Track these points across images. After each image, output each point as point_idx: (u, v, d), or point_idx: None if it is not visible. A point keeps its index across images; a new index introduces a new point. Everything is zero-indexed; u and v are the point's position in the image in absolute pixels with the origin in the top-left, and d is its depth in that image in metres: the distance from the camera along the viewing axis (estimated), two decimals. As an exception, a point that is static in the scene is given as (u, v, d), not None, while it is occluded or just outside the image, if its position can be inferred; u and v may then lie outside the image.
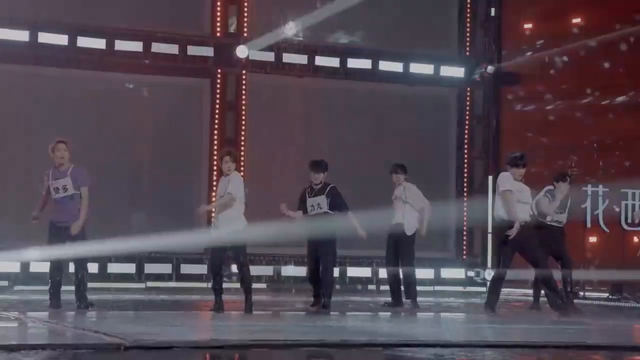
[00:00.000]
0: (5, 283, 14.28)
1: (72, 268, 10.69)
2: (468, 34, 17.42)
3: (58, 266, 10.59)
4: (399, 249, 12.00)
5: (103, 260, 14.51)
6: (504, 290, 15.44)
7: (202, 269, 15.34)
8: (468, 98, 17.51)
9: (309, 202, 11.23)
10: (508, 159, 11.25)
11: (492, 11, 17.40)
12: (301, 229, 11.21)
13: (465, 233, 17.11)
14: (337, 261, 12.48)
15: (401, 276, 12.02)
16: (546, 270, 11.08)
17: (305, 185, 11.49)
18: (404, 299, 12.14)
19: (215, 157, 15.73)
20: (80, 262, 10.55)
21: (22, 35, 14.79)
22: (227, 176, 10.65)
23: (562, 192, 11.87)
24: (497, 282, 11.20)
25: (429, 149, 17.18)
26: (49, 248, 10.39)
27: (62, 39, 14.96)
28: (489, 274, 16.87)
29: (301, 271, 15.65)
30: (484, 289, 16.87)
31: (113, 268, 14.93)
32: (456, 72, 17.34)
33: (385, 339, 7.95)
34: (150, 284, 15.17)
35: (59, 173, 10.55)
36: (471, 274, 17.12)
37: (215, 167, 15.52)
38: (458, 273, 17.09)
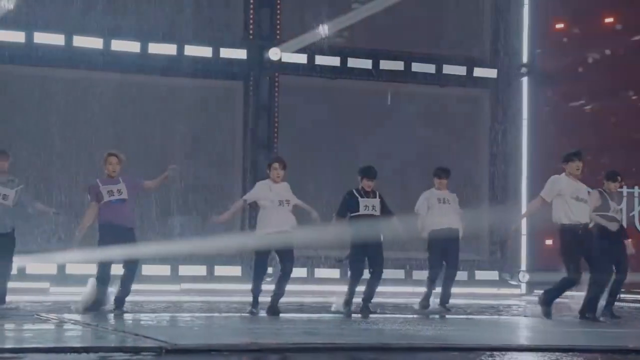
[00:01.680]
0: (46, 285, 14.40)
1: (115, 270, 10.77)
2: (501, 35, 17.34)
3: (107, 267, 10.67)
4: (451, 252, 11.89)
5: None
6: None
7: (236, 270, 15.39)
8: (501, 99, 17.42)
9: (362, 202, 11.22)
10: (563, 156, 11.08)
11: (526, 11, 17.31)
12: (352, 230, 11.20)
13: (499, 235, 17.01)
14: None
15: (445, 279, 11.94)
16: (604, 275, 10.91)
17: (347, 189, 11.55)
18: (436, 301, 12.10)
19: (248, 159, 15.85)
20: (133, 266, 10.65)
21: (58, 39, 14.92)
22: (275, 183, 10.87)
23: (610, 191, 11.73)
24: (567, 284, 10.84)
25: (462, 150, 17.11)
26: (101, 249, 10.46)
27: (97, 43, 15.09)
28: (523, 276, 16.83)
29: (334, 273, 15.72)
30: (517, 291, 16.84)
31: (148, 270, 14.97)
32: (489, 73, 17.26)
33: (424, 342, 7.94)
34: (184, 285, 15.22)
35: (111, 179, 10.73)
36: (505, 276, 17.04)
37: (249, 169, 15.61)
38: (492, 275, 17.02)
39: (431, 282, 11.92)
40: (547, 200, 10.92)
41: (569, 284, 10.89)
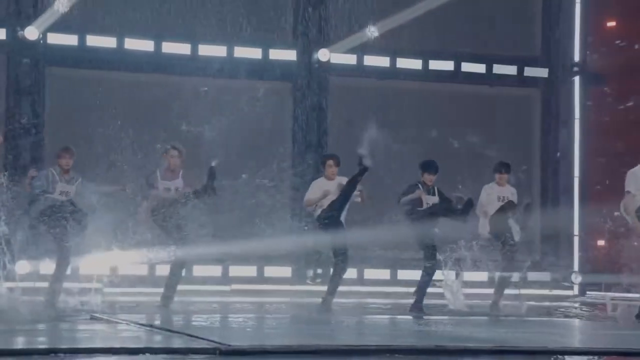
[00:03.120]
0: (99, 285, 14.51)
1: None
2: (552, 34, 17.15)
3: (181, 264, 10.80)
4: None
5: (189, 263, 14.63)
6: (594, 294, 15.21)
7: (286, 271, 15.38)
8: (552, 98, 17.23)
9: (424, 199, 11.24)
10: None
11: (577, 10, 17.10)
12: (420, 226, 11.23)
13: (551, 236, 16.81)
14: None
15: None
16: None
17: (411, 182, 11.58)
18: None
19: (298, 161, 15.86)
20: (180, 266, 10.73)
21: (109, 42, 15.07)
22: (331, 180, 10.93)
23: None
24: None
25: (513, 149, 16.92)
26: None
27: (147, 45, 15.22)
28: (575, 277, 16.63)
29: (385, 274, 15.68)
30: (570, 292, 16.64)
31: (198, 271, 15.03)
32: (540, 72, 17.09)
33: (479, 345, 7.87)
34: (235, 286, 15.26)
35: (171, 174, 10.88)
36: (557, 277, 16.85)
37: (299, 171, 15.62)
38: (544, 276, 16.83)
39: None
40: (635, 193, 10.69)
41: None
